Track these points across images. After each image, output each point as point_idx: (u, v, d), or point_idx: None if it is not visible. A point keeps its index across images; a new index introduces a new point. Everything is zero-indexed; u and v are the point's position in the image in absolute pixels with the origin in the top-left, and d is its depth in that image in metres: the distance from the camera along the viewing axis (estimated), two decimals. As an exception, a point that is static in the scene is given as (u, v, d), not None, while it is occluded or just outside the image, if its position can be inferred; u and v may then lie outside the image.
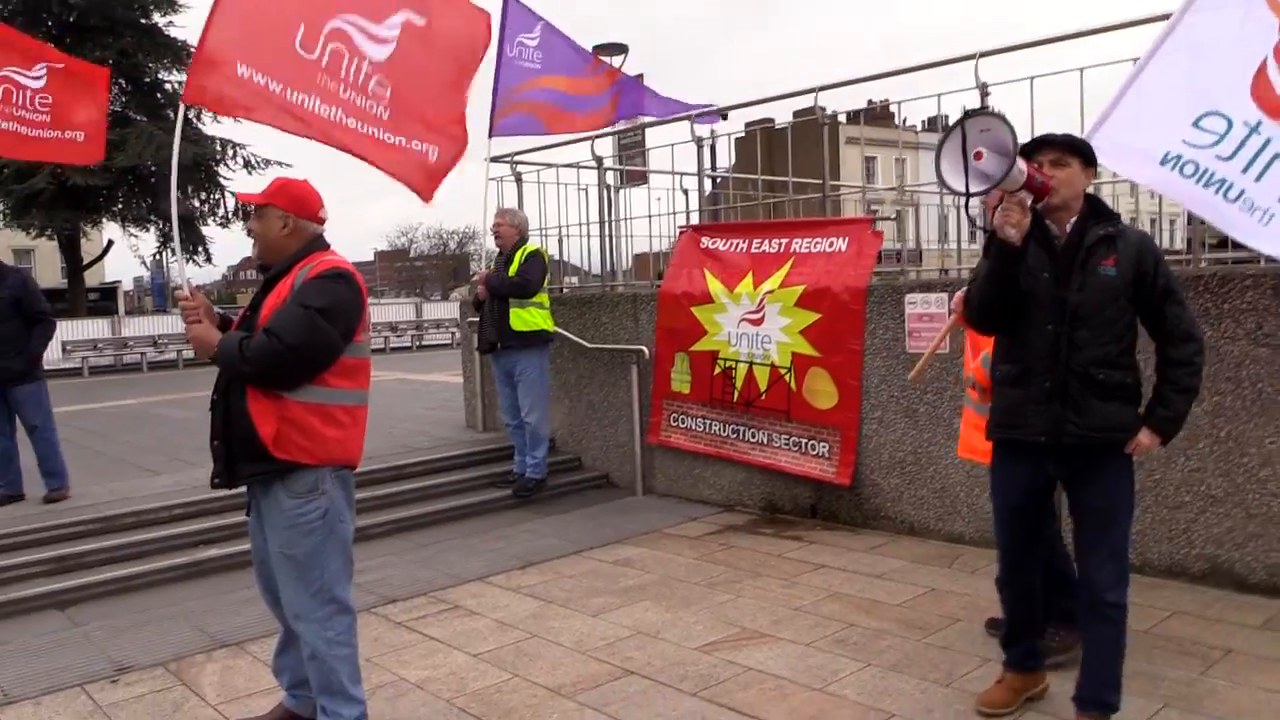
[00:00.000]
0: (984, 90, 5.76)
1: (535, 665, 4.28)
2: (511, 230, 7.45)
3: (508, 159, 8.89)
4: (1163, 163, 4.43)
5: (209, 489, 6.18)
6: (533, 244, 7.64)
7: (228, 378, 3.33)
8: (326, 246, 3.49)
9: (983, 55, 5.69)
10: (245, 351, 3.17)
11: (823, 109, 6.96)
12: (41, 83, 6.66)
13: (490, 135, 7.69)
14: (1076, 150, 3.31)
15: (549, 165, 8.87)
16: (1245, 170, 4.27)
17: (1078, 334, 3.21)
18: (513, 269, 7.25)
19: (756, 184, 9.94)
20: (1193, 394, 3.29)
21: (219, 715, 3.92)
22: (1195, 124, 4.39)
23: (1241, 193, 4.29)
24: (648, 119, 9.96)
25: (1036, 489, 3.42)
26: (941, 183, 3.10)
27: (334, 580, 3.39)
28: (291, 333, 3.15)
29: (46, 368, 7.22)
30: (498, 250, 7.60)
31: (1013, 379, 3.35)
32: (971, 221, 3.90)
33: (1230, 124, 4.32)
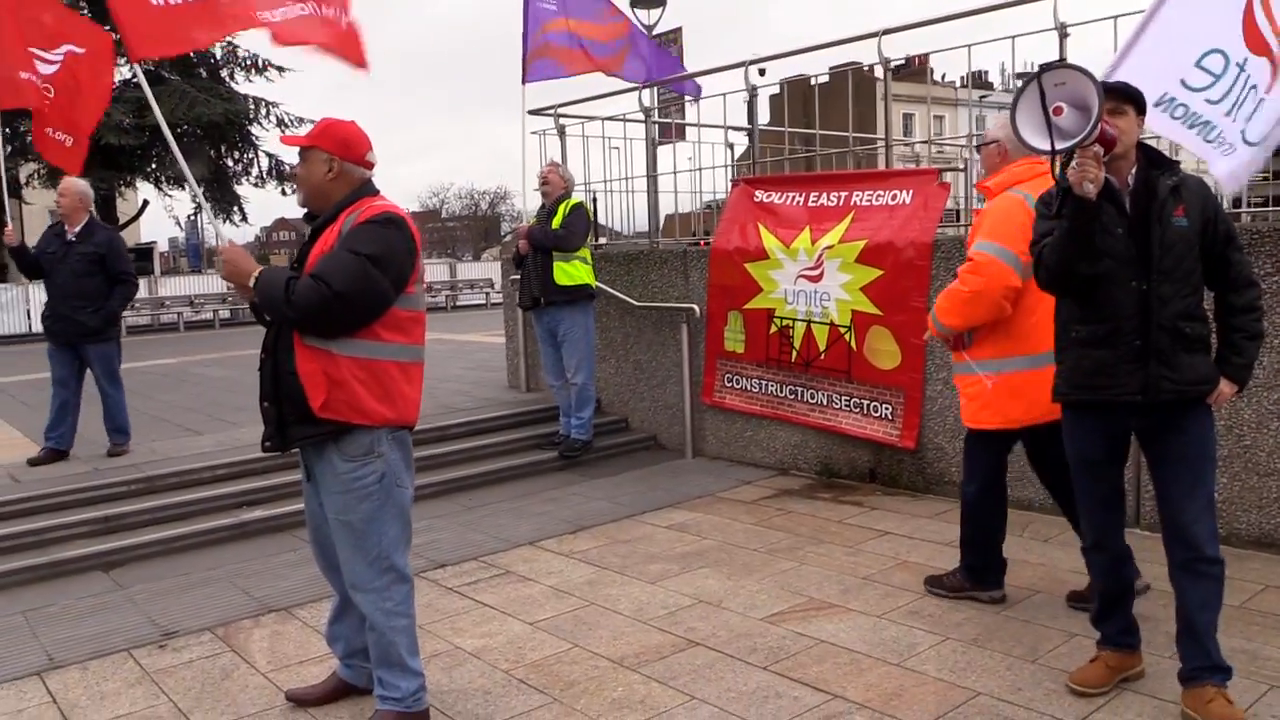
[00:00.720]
0: (1063, 32, 5.41)
1: (595, 635, 4.10)
2: (560, 181, 7.23)
3: (550, 111, 8.63)
4: (1157, 104, 4.50)
5: (252, 450, 6.06)
6: (576, 197, 7.40)
7: (274, 331, 3.13)
8: (376, 192, 3.27)
9: (1062, -7, 5.33)
10: (290, 293, 2.96)
11: (881, 62, 6.59)
12: (54, 68, 6.47)
13: (524, 82, 7.44)
14: (1131, 98, 3.17)
15: (592, 118, 8.60)
16: (1228, 113, 4.53)
17: (1162, 288, 3.11)
18: (556, 222, 7.01)
19: (792, 139, 9.62)
20: (1260, 339, 3.26)
21: (269, 683, 3.78)
22: (1198, 64, 4.54)
23: (1220, 133, 4.55)
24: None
25: (1117, 444, 3.31)
26: (1022, 142, 2.98)
27: (391, 547, 3.22)
28: (339, 279, 2.94)
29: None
30: (540, 204, 7.36)
31: (1099, 339, 3.18)
32: (1057, 182, 3.61)
33: (1227, 61, 4.53)
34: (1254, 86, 4.51)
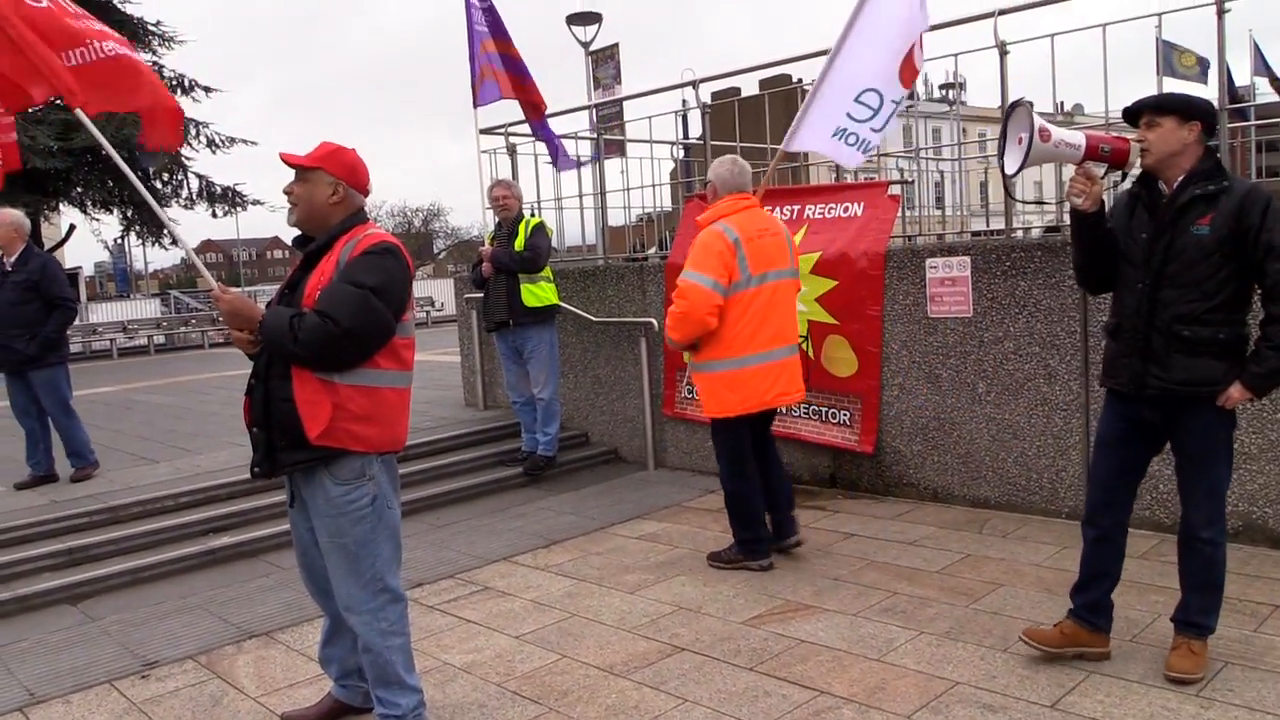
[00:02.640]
0: (1003, 49, 5.67)
1: (582, 645, 4.19)
2: (514, 202, 7.28)
3: (500, 130, 8.70)
4: (834, 135, 5.48)
5: (214, 476, 6.04)
6: (535, 216, 7.47)
7: (266, 358, 3.15)
8: (367, 219, 3.32)
9: (1003, 13, 5.59)
10: (297, 332, 2.97)
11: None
12: None
13: (475, 105, 7.43)
14: (1166, 109, 3.32)
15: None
16: (877, 132, 5.50)
17: (1163, 292, 3.32)
18: (519, 243, 7.07)
19: (745, 154, 9.81)
20: None
21: (262, 707, 3.80)
22: (857, 99, 5.43)
23: (867, 143, 5.54)
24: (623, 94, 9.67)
25: (1131, 431, 3.54)
26: (1001, 171, 3.54)
27: (385, 568, 3.26)
28: (347, 314, 2.98)
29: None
30: (496, 223, 7.40)
31: (1111, 332, 3.57)
32: (1011, 196, 4.42)
33: (882, 99, 5.42)
34: (895, 111, 5.52)
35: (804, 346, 6.39)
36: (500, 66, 7.26)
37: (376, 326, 3.06)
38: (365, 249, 3.12)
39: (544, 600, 4.78)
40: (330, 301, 3.01)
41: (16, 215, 6.85)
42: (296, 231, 3.33)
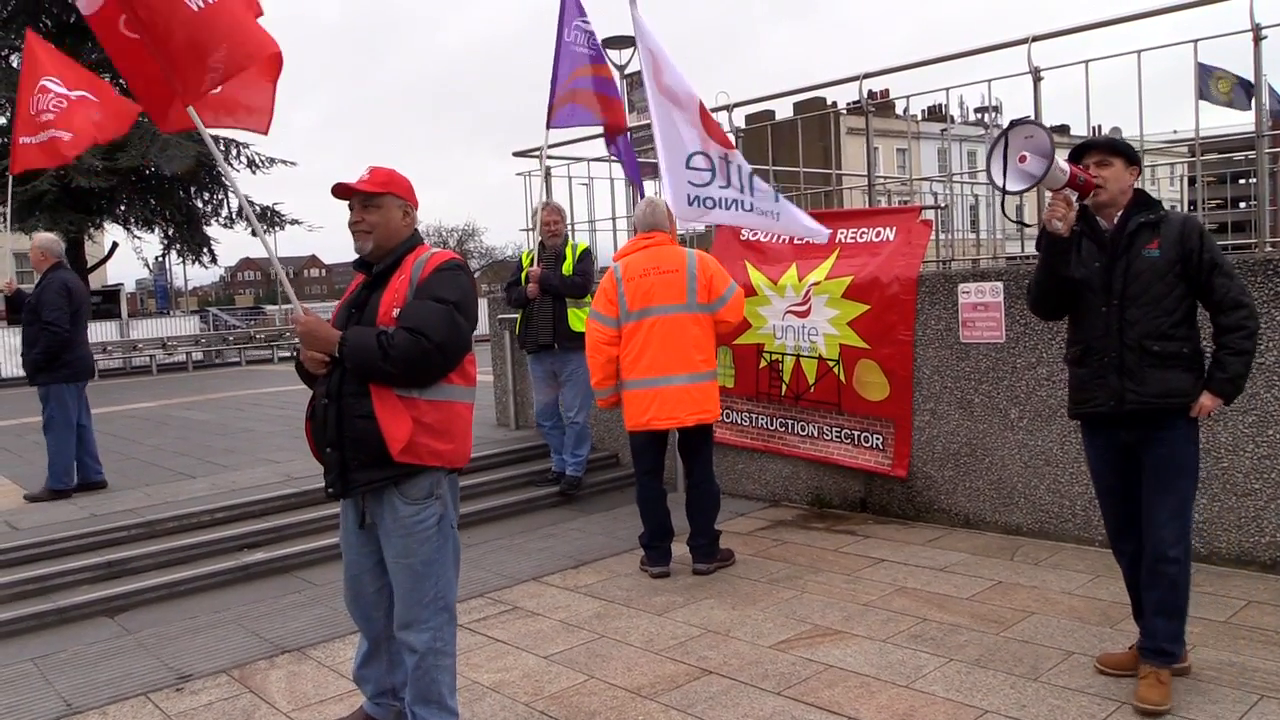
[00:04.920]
0: (1036, 75, 5.68)
1: (609, 666, 4.20)
2: (564, 228, 7.30)
3: (535, 153, 8.79)
4: (690, 204, 5.75)
5: (248, 492, 6.12)
6: (582, 242, 7.50)
7: (338, 376, 3.14)
8: (422, 239, 3.41)
9: (1036, 39, 5.60)
10: (388, 350, 3.01)
11: (864, 105, 6.85)
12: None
13: (548, 127, 7.13)
14: (1118, 151, 3.59)
15: (578, 159, 8.78)
16: (741, 190, 5.78)
17: (1129, 312, 3.50)
18: (567, 267, 7.09)
19: (770, 176, 9.82)
20: (1248, 356, 3.49)
21: (293, 723, 3.84)
22: (688, 164, 5.73)
23: (751, 205, 5.80)
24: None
25: (1117, 457, 3.67)
26: (992, 183, 3.51)
27: (447, 587, 3.31)
28: (437, 330, 3.04)
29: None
30: (538, 244, 7.36)
31: (1078, 358, 3.67)
32: (1008, 218, 4.63)
33: (710, 159, 5.76)
34: (739, 167, 5.84)
35: (835, 369, 6.39)
36: (593, 88, 7.18)
37: (461, 341, 3.14)
38: (438, 265, 3.18)
39: (572, 621, 4.80)
40: (419, 318, 3.06)
41: (46, 239, 7.24)
42: (350, 253, 3.38)
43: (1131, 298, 3.49)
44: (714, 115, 6.13)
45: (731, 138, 8.15)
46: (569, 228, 8.36)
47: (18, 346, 7.31)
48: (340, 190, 3.23)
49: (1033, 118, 3.50)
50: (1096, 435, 3.72)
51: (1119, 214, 3.57)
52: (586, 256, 7.20)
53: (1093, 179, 3.51)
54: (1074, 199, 3.51)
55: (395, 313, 3.11)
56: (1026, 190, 3.51)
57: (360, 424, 3.08)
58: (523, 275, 7.26)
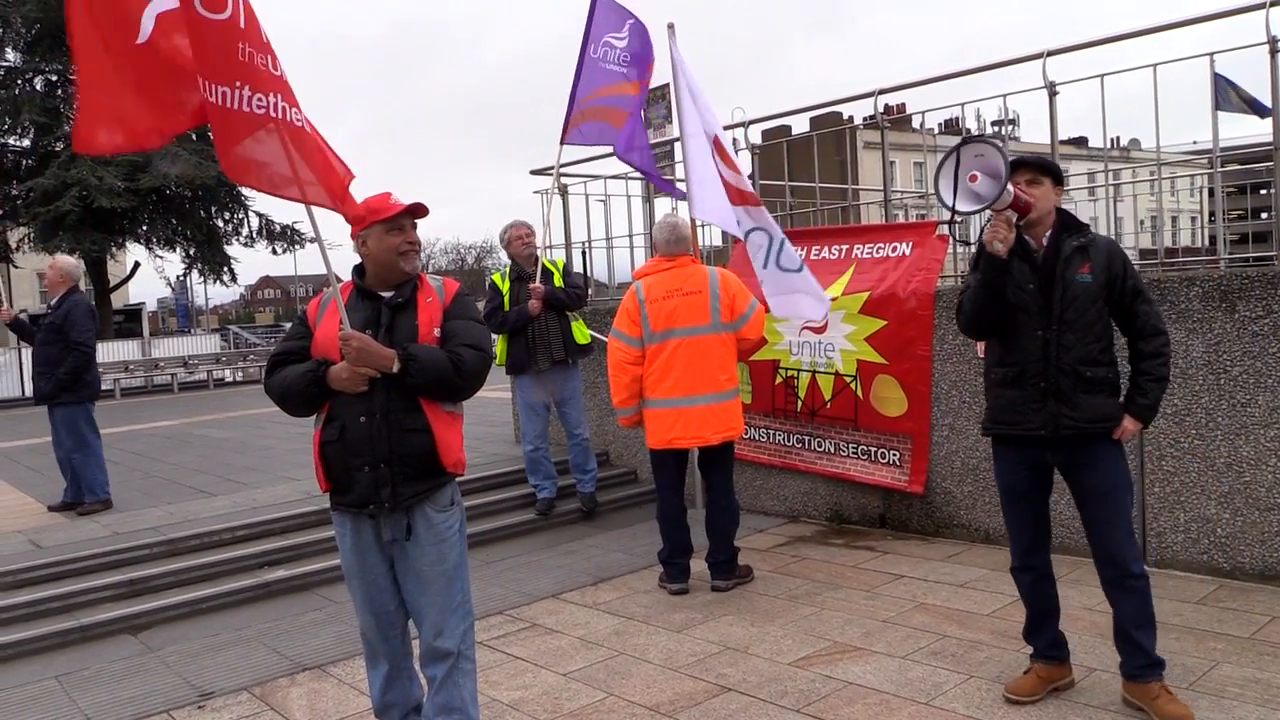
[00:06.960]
0: (1052, 89, 5.68)
1: (628, 684, 4.20)
2: (534, 239, 7.18)
3: (550, 171, 8.82)
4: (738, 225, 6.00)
5: (270, 510, 6.12)
6: (559, 258, 7.56)
7: (385, 393, 3.13)
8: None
9: (1050, 54, 5.61)
10: (460, 365, 3.16)
11: (880, 121, 6.86)
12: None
13: (562, 143, 6.88)
14: (1048, 170, 3.59)
15: (595, 177, 8.82)
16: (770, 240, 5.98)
17: (1064, 337, 3.52)
18: (558, 280, 7.05)
19: (786, 191, 9.83)
20: (1165, 382, 3.59)
21: (314, 740, 3.86)
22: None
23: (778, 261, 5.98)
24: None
25: (1039, 476, 3.72)
26: (940, 201, 3.44)
27: (469, 590, 3.41)
28: (489, 347, 3.31)
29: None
30: (513, 266, 7.14)
31: (1010, 380, 3.64)
32: (953, 236, 4.32)
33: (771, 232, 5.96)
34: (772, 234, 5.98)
35: (852, 385, 6.39)
36: (629, 108, 6.91)
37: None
38: (457, 291, 3.36)
39: (591, 638, 4.80)
40: (474, 337, 3.25)
41: (67, 262, 7.41)
42: (351, 269, 3.42)
43: (1068, 323, 3.51)
44: (729, 131, 6.17)
45: (747, 155, 8.19)
46: (582, 244, 8.41)
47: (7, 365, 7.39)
48: (423, 210, 3.31)
49: (987, 136, 3.44)
50: (1017, 453, 3.70)
51: (1047, 233, 3.57)
52: (571, 269, 7.33)
53: (1032, 200, 3.50)
54: (1014, 219, 3.47)
55: (435, 332, 3.23)
56: (976, 212, 3.46)
57: (413, 438, 3.17)
58: (504, 300, 7.00)
